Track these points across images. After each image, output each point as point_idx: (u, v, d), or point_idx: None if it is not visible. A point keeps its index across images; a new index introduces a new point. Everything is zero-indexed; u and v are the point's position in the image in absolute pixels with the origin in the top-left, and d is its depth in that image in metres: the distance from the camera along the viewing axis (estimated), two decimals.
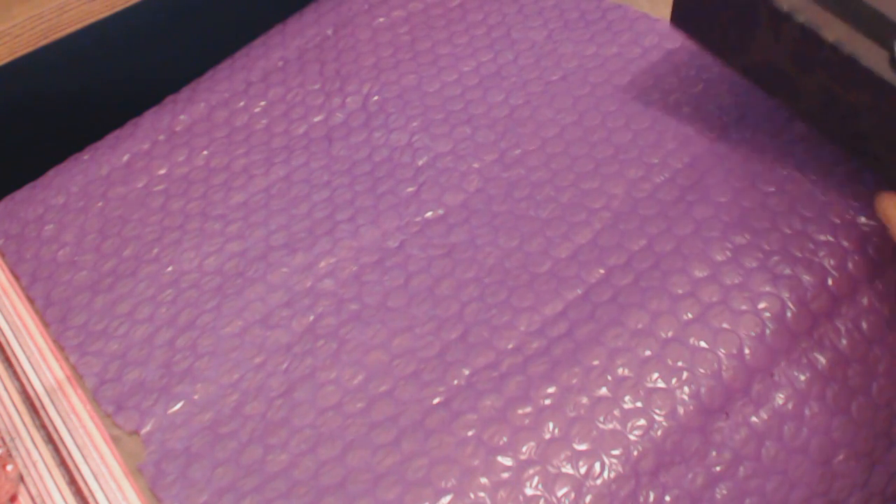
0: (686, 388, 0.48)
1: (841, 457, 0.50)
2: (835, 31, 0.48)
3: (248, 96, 0.71)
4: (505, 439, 0.47)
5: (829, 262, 0.51)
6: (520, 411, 0.48)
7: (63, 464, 0.53)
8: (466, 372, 0.51)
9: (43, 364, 0.57)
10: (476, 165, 0.61)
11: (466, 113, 0.64)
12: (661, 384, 0.48)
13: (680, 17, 0.57)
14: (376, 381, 0.52)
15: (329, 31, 0.74)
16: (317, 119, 0.68)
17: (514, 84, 0.65)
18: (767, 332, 0.49)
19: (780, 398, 0.49)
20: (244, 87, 0.71)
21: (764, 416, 0.49)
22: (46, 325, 0.60)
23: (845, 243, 0.52)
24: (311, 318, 0.56)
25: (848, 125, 0.51)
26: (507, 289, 0.54)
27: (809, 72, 0.51)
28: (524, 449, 0.47)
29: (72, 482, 0.52)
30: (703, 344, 0.49)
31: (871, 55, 0.47)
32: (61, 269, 0.62)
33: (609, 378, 0.49)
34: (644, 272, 0.52)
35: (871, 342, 0.51)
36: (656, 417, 0.47)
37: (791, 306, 0.50)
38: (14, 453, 0.54)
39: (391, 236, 0.59)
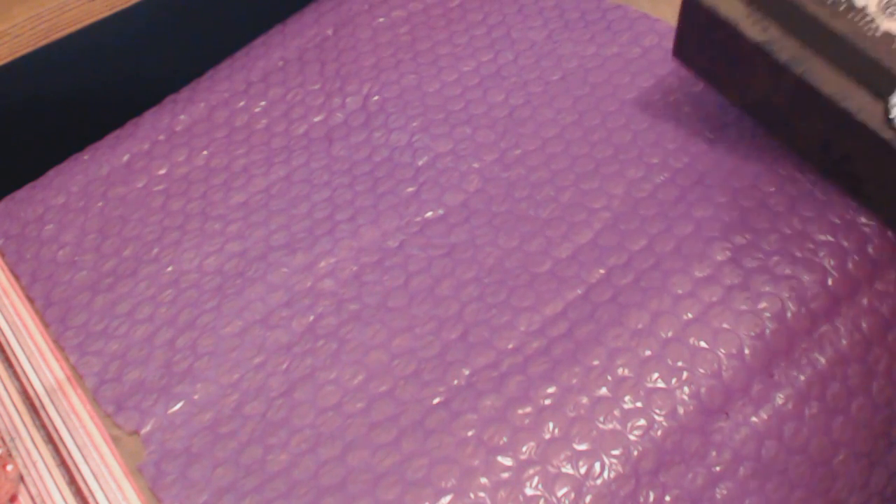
0: (686, 388, 0.48)
1: (841, 457, 0.50)
2: (832, 83, 0.49)
3: (248, 96, 0.71)
4: (505, 439, 0.47)
5: (829, 262, 0.51)
6: (520, 411, 0.48)
7: (63, 464, 0.53)
8: (466, 372, 0.51)
9: (43, 364, 0.57)
10: (476, 165, 0.61)
11: (466, 113, 0.64)
12: (661, 384, 0.48)
13: (681, 51, 0.57)
14: (376, 381, 0.52)
15: (329, 31, 0.74)
16: (317, 119, 0.68)
17: (514, 84, 0.65)
18: (767, 332, 0.49)
19: (780, 398, 0.49)
20: (244, 87, 0.71)
21: (764, 416, 0.49)
22: (46, 325, 0.60)
23: (845, 243, 0.52)
24: (311, 318, 0.56)
25: (843, 168, 0.51)
26: (507, 289, 0.54)
27: (806, 118, 0.51)
28: (524, 449, 0.47)
29: (72, 482, 0.52)
30: (703, 344, 0.49)
31: (866, 109, 0.48)
32: (61, 269, 0.62)
33: (609, 378, 0.49)
34: (644, 272, 0.52)
35: (871, 342, 0.51)
36: (656, 417, 0.47)
37: (791, 306, 0.50)
38: (14, 453, 0.54)
39: (391, 236, 0.59)
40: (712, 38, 0.53)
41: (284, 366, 0.54)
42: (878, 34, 0.48)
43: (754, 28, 0.51)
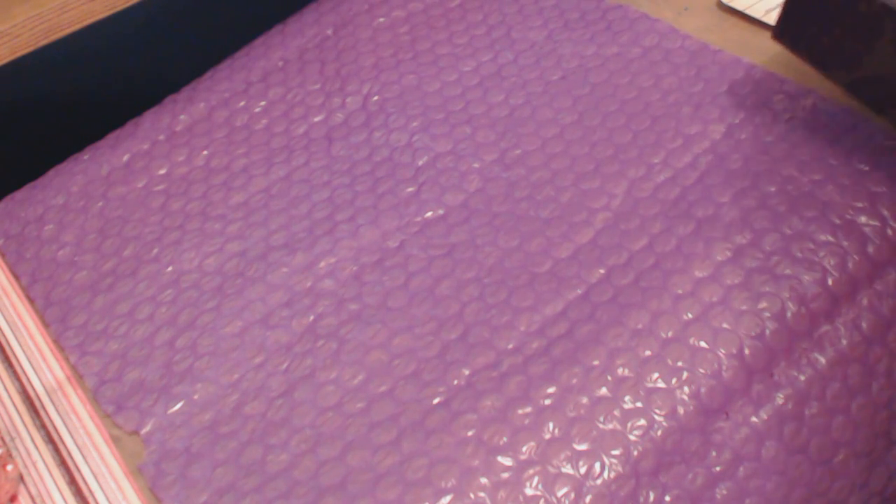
0: (686, 388, 0.48)
1: (841, 457, 0.50)
2: None
3: (248, 96, 0.71)
4: (505, 439, 0.47)
5: (829, 262, 0.51)
6: (520, 411, 0.48)
7: (63, 464, 0.53)
8: (466, 372, 0.51)
9: (43, 364, 0.57)
10: (476, 165, 0.61)
11: (466, 113, 0.64)
12: (661, 384, 0.48)
13: (785, 30, 0.55)
14: (376, 381, 0.52)
15: (329, 31, 0.74)
16: (317, 119, 0.68)
17: (514, 84, 0.65)
18: (767, 332, 0.49)
19: (780, 398, 0.49)
20: (244, 87, 0.71)
21: (764, 416, 0.49)
22: (46, 325, 0.60)
23: (845, 243, 0.52)
24: (311, 318, 0.56)
25: None
26: (507, 289, 0.54)
27: None
28: (524, 449, 0.47)
29: (72, 482, 0.52)
30: (703, 344, 0.49)
31: None
32: (61, 269, 0.62)
33: (609, 378, 0.49)
34: (644, 272, 0.52)
35: (871, 342, 0.51)
36: (656, 417, 0.47)
37: (791, 306, 0.50)
38: (14, 453, 0.54)
39: (391, 236, 0.59)
40: (826, 7, 0.50)
41: (284, 366, 0.54)
42: None
43: None
